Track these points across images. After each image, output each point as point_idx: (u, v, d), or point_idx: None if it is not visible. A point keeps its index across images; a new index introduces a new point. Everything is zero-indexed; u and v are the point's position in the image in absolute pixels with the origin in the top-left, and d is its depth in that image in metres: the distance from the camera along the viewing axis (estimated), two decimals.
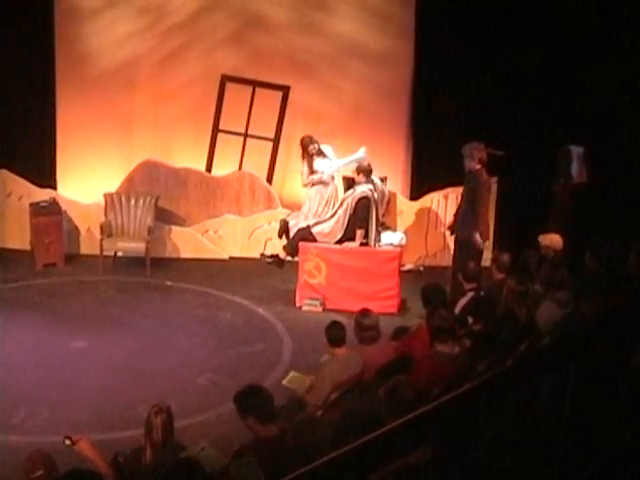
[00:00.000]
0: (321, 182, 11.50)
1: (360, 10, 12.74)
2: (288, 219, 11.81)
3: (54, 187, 12.81)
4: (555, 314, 7.48)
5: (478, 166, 10.61)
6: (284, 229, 11.67)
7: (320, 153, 11.52)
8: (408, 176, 12.92)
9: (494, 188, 12.54)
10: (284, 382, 7.79)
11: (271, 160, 13.09)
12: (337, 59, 12.81)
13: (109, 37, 12.69)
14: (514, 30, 11.94)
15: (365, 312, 7.90)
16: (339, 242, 11.12)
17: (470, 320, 8.27)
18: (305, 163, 11.55)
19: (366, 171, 11.10)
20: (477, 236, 10.52)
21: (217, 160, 13.13)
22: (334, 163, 11.54)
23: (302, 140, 11.60)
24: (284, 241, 11.60)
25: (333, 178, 11.63)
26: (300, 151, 11.64)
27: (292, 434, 5.41)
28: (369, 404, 6.06)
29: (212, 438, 6.69)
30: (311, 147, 11.50)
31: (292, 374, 7.82)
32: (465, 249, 10.59)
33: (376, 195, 11.06)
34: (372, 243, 11.07)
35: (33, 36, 12.33)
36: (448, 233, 11.58)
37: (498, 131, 12.19)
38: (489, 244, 12.43)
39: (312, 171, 11.52)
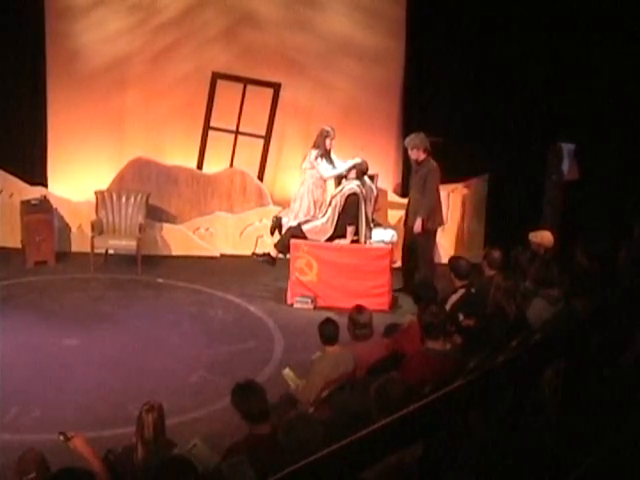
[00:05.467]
0: (340, 177, 11.41)
1: (351, 7, 12.73)
2: (281, 216, 11.81)
3: (45, 185, 12.79)
4: (546, 311, 7.51)
5: (424, 155, 11.12)
6: (277, 226, 11.65)
7: (329, 153, 11.45)
8: (399, 173, 12.93)
9: (485, 186, 12.61)
10: (284, 372, 7.82)
11: (262, 157, 13.08)
12: (328, 56, 12.81)
13: (100, 34, 12.65)
14: (505, 28, 11.95)
15: (360, 309, 7.89)
16: (330, 239, 11.12)
17: (461, 317, 8.29)
18: (318, 154, 11.26)
19: (361, 170, 11.11)
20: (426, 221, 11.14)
21: (208, 157, 13.12)
22: (340, 167, 11.39)
23: (322, 130, 11.35)
24: (276, 238, 11.60)
25: (325, 181, 11.57)
26: (315, 139, 11.37)
27: (284, 431, 5.41)
28: (361, 401, 6.07)
29: (204, 435, 6.67)
30: (328, 141, 11.40)
31: (289, 372, 7.82)
32: (424, 236, 11.15)
33: (364, 192, 11.06)
34: (363, 240, 11.08)
35: (24, 34, 12.31)
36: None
37: (489, 128, 12.21)
38: (479, 239, 12.52)
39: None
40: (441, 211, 11.52)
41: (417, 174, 11.24)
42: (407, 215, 11.42)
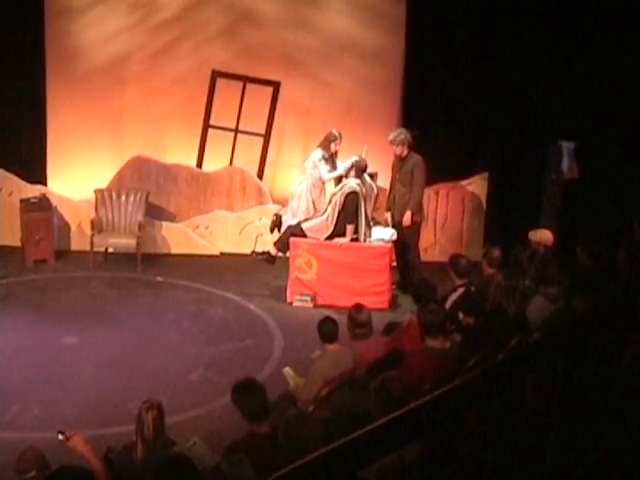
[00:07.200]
0: (340, 177, 11.40)
1: (351, 5, 12.73)
2: (281, 214, 11.81)
3: (45, 183, 12.78)
4: (546, 309, 7.50)
5: (407, 150, 11.23)
6: (277, 223, 11.66)
7: (333, 156, 11.44)
8: None
9: (484, 184, 12.61)
10: (284, 370, 7.84)
11: (262, 156, 13.08)
12: (328, 55, 12.80)
13: (99, 33, 12.65)
14: (505, 26, 11.95)
15: (359, 307, 7.88)
16: (329, 238, 11.12)
17: (461, 315, 8.29)
18: (323, 156, 11.32)
19: (360, 168, 11.10)
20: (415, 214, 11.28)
21: (208, 156, 13.12)
22: (340, 168, 11.41)
23: (329, 133, 11.41)
24: (275, 236, 11.59)
25: (324, 182, 11.58)
26: (321, 140, 11.45)
27: (283, 430, 5.41)
28: (360, 400, 6.07)
29: (203, 434, 6.68)
30: (334, 144, 11.42)
31: (289, 371, 7.84)
32: (412, 230, 11.29)
33: (364, 190, 11.06)
34: (362, 239, 11.07)
35: (23, 33, 12.29)
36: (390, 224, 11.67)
37: (489, 126, 12.21)
38: (479, 238, 12.51)
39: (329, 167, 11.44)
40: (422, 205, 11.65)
41: (402, 169, 11.33)
42: (392, 211, 11.44)
